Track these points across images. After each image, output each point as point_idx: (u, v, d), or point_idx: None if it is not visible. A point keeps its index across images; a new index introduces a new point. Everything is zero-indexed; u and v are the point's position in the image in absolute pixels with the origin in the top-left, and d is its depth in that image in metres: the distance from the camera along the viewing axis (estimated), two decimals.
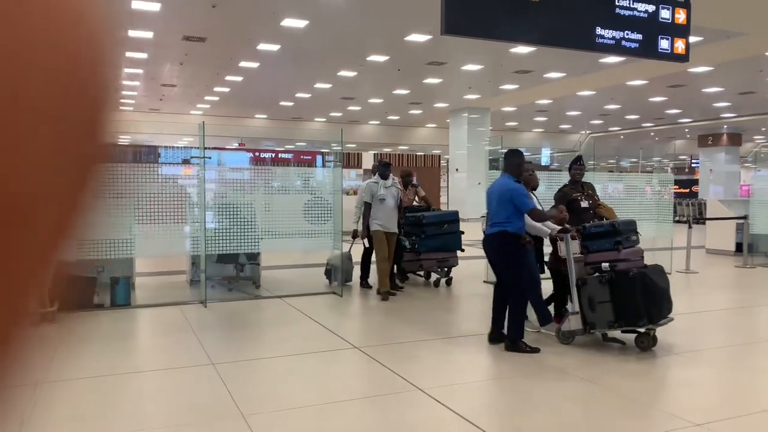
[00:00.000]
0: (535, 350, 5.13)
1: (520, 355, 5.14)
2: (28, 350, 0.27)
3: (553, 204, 6.71)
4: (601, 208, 6.62)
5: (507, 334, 5.22)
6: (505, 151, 6.07)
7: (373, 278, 7.96)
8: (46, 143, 0.25)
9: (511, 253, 5.22)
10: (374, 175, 7.85)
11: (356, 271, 8.23)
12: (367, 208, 7.41)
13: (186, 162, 9.87)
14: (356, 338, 5.60)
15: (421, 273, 8.67)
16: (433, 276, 8.53)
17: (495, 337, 5.34)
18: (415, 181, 9.11)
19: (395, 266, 8.05)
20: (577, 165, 6.70)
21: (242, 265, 8.05)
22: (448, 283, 8.30)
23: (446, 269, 8.32)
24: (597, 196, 6.87)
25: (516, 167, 5.34)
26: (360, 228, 7.59)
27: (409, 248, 8.09)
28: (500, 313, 5.32)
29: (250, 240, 7.24)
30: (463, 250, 8.35)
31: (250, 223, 7.29)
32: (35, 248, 0.26)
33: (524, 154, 5.89)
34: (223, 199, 7.40)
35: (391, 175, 7.57)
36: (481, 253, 5.88)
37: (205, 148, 7.33)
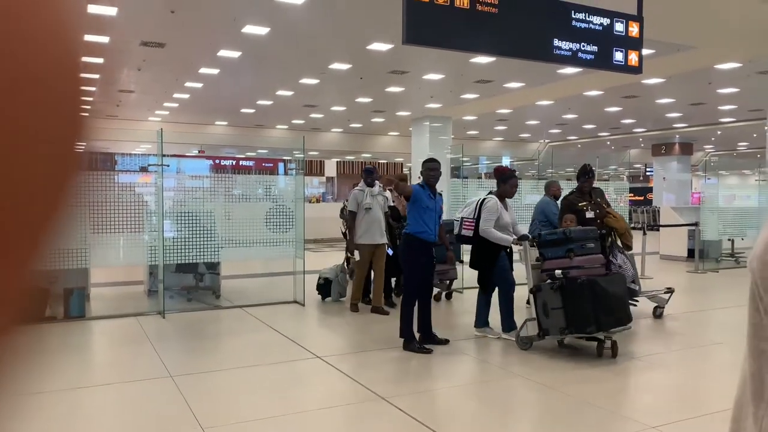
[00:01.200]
0: (427, 351, 5.31)
1: (480, 362, 5.19)
2: (7, 360, 0.27)
3: (558, 213, 6.71)
4: (610, 217, 6.22)
5: (400, 334, 5.45)
6: (464, 162, 6.32)
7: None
8: (27, 153, 0.25)
9: (403, 252, 5.63)
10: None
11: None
12: (352, 218, 6.94)
13: (144, 169, 9.67)
14: (318, 348, 5.56)
15: None
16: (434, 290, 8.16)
17: (428, 340, 5.53)
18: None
19: (394, 280, 7.62)
20: (585, 177, 6.42)
21: (202, 275, 7.91)
22: (449, 296, 7.94)
23: (447, 282, 7.83)
24: (606, 202, 6.48)
25: (424, 173, 5.80)
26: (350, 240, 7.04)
27: None
28: (422, 317, 5.58)
29: (210, 249, 7.13)
30: (462, 261, 7.66)
31: (209, 231, 7.18)
32: (12, 257, 0.26)
33: (485, 162, 6.11)
34: (182, 207, 7.27)
35: (377, 182, 7.07)
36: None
37: (164, 156, 7.20)
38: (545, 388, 4.51)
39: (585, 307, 4.95)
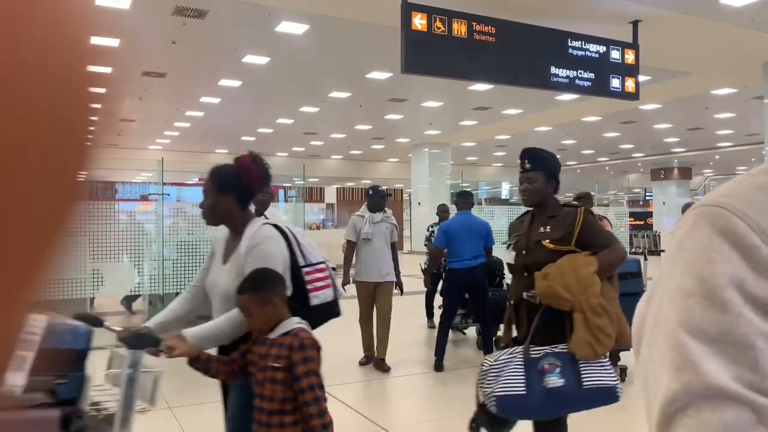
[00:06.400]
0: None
1: None
2: None
3: None
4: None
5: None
6: (464, 187, 6.26)
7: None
8: (27, 181, 0.25)
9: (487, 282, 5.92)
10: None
11: None
12: (349, 249, 5.79)
13: (144, 198, 9.69)
14: None
15: None
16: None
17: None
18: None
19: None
20: None
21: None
22: (623, 376, 5.07)
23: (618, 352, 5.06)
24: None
25: (471, 205, 6.06)
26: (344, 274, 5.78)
27: None
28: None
29: None
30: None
31: None
32: (5, 287, 0.25)
33: (484, 188, 6.12)
34: (183, 235, 7.27)
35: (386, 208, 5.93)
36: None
37: (164, 184, 7.23)
38: None
39: None
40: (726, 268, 0.52)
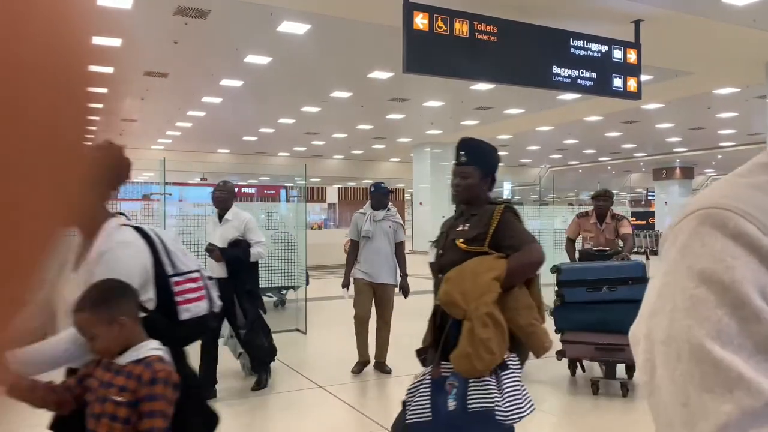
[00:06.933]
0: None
1: None
2: None
3: None
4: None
5: None
6: None
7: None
8: (25, 181, 0.25)
9: None
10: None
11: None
12: (352, 248, 5.54)
13: (146, 198, 9.71)
14: (320, 377, 5.50)
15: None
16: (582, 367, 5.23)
17: None
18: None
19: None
20: None
21: None
22: (624, 391, 4.63)
23: (616, 365, 4.77)
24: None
25: None
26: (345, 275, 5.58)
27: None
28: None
29: None
30: None
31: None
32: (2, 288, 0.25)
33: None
34: (187, 235, 7.27)
35: (390, 205, 5.65)
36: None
37: (166, 184, 7.24)
38: None
39: None
40: (748, 274, 0.47)
